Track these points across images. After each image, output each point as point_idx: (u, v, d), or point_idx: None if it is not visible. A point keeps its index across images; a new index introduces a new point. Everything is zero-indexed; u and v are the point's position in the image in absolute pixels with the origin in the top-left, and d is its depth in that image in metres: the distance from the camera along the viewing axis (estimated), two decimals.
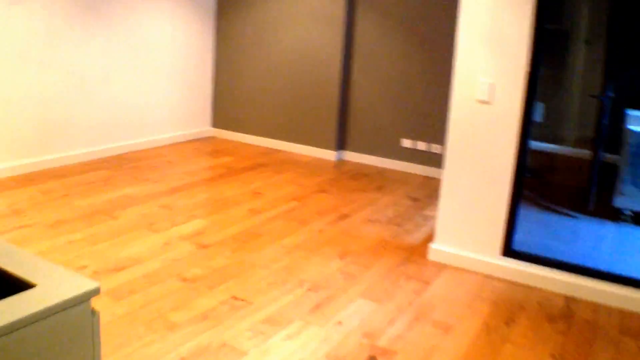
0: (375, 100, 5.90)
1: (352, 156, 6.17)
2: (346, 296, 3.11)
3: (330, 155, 6.15)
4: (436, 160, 5.68)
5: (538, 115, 4.11)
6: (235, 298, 3.02)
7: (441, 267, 3.55)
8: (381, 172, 5.77)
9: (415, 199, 4.93)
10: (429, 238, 3.99)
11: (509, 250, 3.43)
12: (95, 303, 2.88)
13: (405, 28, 5.61)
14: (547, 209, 4.68)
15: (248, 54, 6.54)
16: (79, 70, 5.34)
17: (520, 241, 3.50)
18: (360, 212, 4.50)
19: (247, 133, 6.73)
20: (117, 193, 4.65)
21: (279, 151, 6.41)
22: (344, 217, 4.38)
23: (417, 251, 3.78)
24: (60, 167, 5.26)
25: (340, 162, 6.08)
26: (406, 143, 5.82)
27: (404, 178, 5.62)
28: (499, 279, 3.42)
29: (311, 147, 6.27)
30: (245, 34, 6.52)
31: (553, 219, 4.47)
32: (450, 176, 3.53)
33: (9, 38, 4.72)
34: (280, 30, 6.25)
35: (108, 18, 5.51)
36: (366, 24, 5.82)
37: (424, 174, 5.76)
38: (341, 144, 6.20)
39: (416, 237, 4.04)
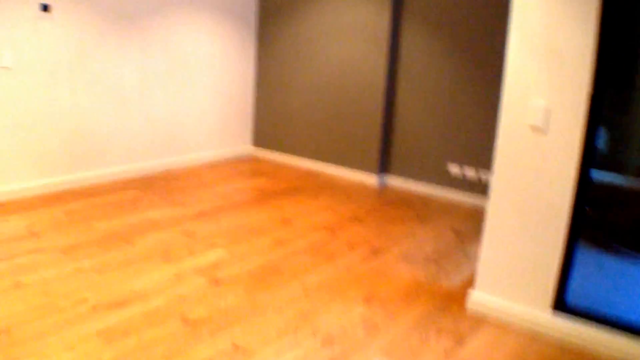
0: (420, 121, 5.48)
1: (394, 181, 5.76)
2: (363, 353, 2.70)
3: (371, 179, 5.76)
4: (485, 189, 5.20)
5: (600, 142, 3.61)
6: (236, 347, 2.66)
7: (480, 320, 3.08)
8: (424, 200, 5.33)
9: (458, 233, 4.47)
10: (470, 282, 3.53)
11: (562, 303, 2.94)
12: (84, 345, 2.59)
13: (455, 44, 5.18)
14: (611, 251, 4.13)
15: (289, 70, 6.25)
16: (112, 85, 5.16)
17: (577, 292, 3.00)
18: (396, 247, 4.09)
19: (287, 153, 6.42)
20: (141, 216, 4.41)
21: (318, 174, 6.07)
22: (377, 252, 3.98)
23: (455, 298, 3.33)
24: (90, 186, 5.08)
25: (382, 187, 5.68)
26: (453, 168, 5.37)
27: (448, 207, 5.16)
28: (548, 341, 2.92)
29: (352, 170, 5.89)
30: (286, 49, 6.23)
31: (618, 265, 3.92)
32: (496, 212, 3.07)
33: (39, 52, 4.57)
34: (322, 46, 5.93)
35: (144, 31, 5.32)
36: (412, 39, 5.42)
37: (471, 203, 5.28)
38: (384, 168, 5.80)
39: (455, 280, 3.59)
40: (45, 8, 4.53)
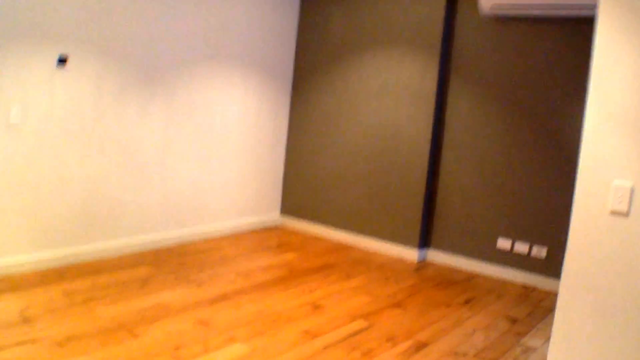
0: (467, 191, 4.93)
1: (437, 256, 5.16)
2: None
3: (411, 254, 5.17)
4: (539, 266, 4.59)
5: None
6: None
7: None
8: (471, 279, 4.72)
9: (513, 320, 3.85)
10: None
11: None
12: None
13: (508, 107, 4.68)
14: None
15: (324, 132, 5.79)
16: (129, 147, 4.73)
17: None
18: (443, 339, 3.48)
19: (318, 223, 5.89)
20: (151, 300, 3.87)
21: (351, 247, 5.50)
22: (421, 346, 3.37)
23: None
24: (97, 261, 4.58)
25: (423, 264, 5.08)
26: (503, 243, 4.77)
27: (498, 287, 4.54)
28: None
29: (389, 244, 5.32)
30: (322, 110, 5.79)
31: None
32: (568, 312, 2.47)
33: (50, 109, 4.17)
34: (361, 107, 5.47)
35: (168, 88, 4.93)
36: (461, 101, 4.93)
37: (523, 282, 4.66)
38: (425, 241, 5.22)
39: None
40: (62, 61, 4.16)
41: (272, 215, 6.15)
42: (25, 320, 3.39)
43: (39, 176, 4.20)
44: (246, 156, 5.75)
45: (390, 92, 5.26)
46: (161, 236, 5.10)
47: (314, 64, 5.87)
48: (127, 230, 4.84)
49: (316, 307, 3.91)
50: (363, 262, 5.03)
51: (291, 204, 6.13)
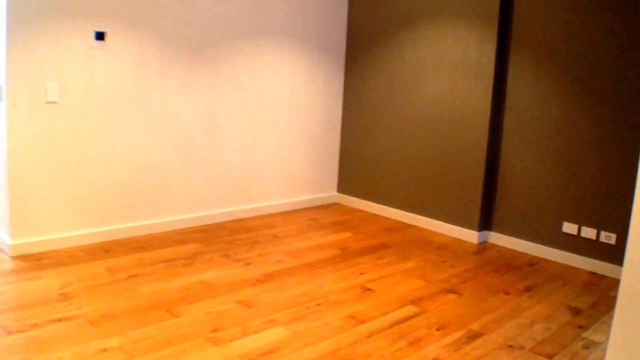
0: (531, 171, 4.53)
1: (498, 239, 4.80)
2: None
3: (471, 236, 4.83)
4: (607, 253, 4.17)
5: None
6: None
7: None
8: (534, 264, 4.35)
9: (576, 311, 3.48)
10: None
11: None
12: None
13: (576, 82, 4.23)
14: None
15: (380, 109, 5.49)
16: (175, 124, 4.60)
17: None
18: (498, 330, 3.17)
19: (375, 202, 5.62)
20: (195, 277, 3.74)
21: (409, 227, 5.21)
22: (474, 337, 3.07)
23: None
24: (146, 237, 4.50)
25: (483, 246, 4.73)
26: (568, 228, 4.36)
27: (563, 274, 4.16)
28: None
29: (449, 225, 5.00)
30: (377, 85, 5.48)
31: None
32: (629, 306, 2.13)
33: (90, 86, 4.08)
34: (417, 82, 5.13)
35: (214, 63, 4.76)
36: (523, 75, 4.51)
37: (590, 270, 4.25)
38: (486, 223, 4.87)
39: None
40: (100, 36, 4.05)
41: (328, 192, 5.93)
42: (64, 296, 3.33)
43: (81, 154, 4.13)
44: (299, 133, 5.53)
45: (446, 65, 4.88)
46: (212, 213, 4.97)
47: (367, 38, 5.55)
48: (176, 207, 4.73)
49: (365, 290, 3.67)
50: (420, 243, 4.73)
51: (348, 182, 5.88)
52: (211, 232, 4.73)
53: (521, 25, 4.52)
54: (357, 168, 5.77)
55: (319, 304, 3.42)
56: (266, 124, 5.23)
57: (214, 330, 3.01)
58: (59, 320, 3.03)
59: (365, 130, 5.65)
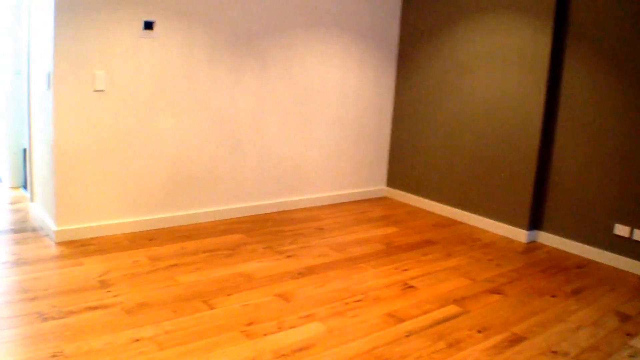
0: (585, 171, 4.25)
1: (548, 239, 4.55)
2: None
3: (520, 235, 4.61)
4: None
5: None
6: None
7: None
8: (583, 266, 4.09)
9: (624, 317, 3.24)
10: None
11: None
12: None
13: (635, 81, 3.94)
14: None
15: (431, 103, 5.30)
16: (222, 114, 4.56)
17: None
18: (542, 334, 2.98)
19: (423, 197, 5.45)
20: (236, 269, 3.69)
21: (457, 223, 5.02)
22: (517, 341, 2.89)
23: None
24: (191, 226, 4.48)
25: (532, 246, 4.50)
26: (620, 230, 4.08)
27: (613, 278, 3.89)
28: None
29: (497, 223, 4.78)
30: (429, 79, 5.30)
31: None
32: None
33: (137, 75, 4.08)
34: (468, 77, 4.92)
35: (263, 53, 4.69)
36: (579, 70, 4.23)
37: None
38: (535, 222, 4.62)
39: None
40: (148, 25, 4.03)
41: (377, 186, 5.79)
42: (103, 284, 3.33)
43: (128, 143, 4.14)
44: (348, 126, 5.41)
45: (499, 59, 4.65)
46: (258, 204, 4.92)
47: (420, 31, 5.35)
48: (222, 197, 4.70)
49: (407, 287, 3.53)
50: (467, 241, 4.54)
51: (398, 176, 5.73)
52: (256, 223, 4.68)
53: (578, 20, 4.25)
54: (407, 162, 5.61)
55: (359, 300, 3.30)
56: (315, 116, 5.13)
57: (249, 324, 2.94)
58: (95, 308, 3.02)
59: (416, 124, 5.48)
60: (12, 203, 4.81)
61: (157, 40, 4.11)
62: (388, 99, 5.65)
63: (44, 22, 3.90)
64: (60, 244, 3.93)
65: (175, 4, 4.15)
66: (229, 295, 3.29)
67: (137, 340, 2.71)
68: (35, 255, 3.70)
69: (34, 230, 4.17)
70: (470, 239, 4.58)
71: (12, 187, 5.29)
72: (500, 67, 4.68)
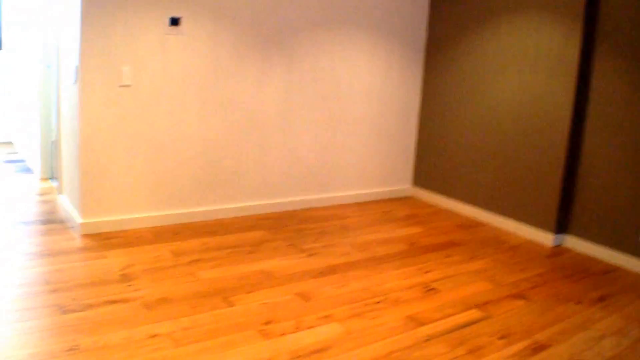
0: (613, 174, 4.12)
1: (574, 243, 4.43)
2: None
3: (546, 238, 4.50)
4: None
5: None
6: None
7: None
8: (610, 272, 3.97)
9: None
10: None
11: None
12: None
13: None
14: None
15: (457, 103, 5.21)
16: (250, 111, 4.55)
17: None
18: (565, 342, 2.89)
19: (449, 197, 5.37)
20: (257, 266, 3.68)
21: (482, 225, 4.93)
22: (539, 348, 2.81)
23: None
24: (216, 221, 4.49)
25: (558, 250, 4.38)
26: None
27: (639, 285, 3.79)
28: None
29: (523, 225, 4.67)
30: (456, 79, 5.20)
31: None
32: None
33: (166, 72, 4.09)
34: (495, 77, 4.81)
35: (291, 54, 4.66)
36: (609, 73, 4.08)
37: None
38: (562, 226, 4.50)
39: None
40: (175, 22, 4.04)
41: (403, 185, 5.72)
42: (124, 278, 3.35)
43: (154, 137, 4.16)
44: (375, 125, 5.35)
45: (528, 60, 4.53)
46: (283, 201, 4.91)
47: (449, 31, 5.25)
48: (248, 193, 4.70)
49: (428, 290, 3.47)
50: (492, 243, 4.46)
51: (424, 175, 5.65)
52: (281, 220, 4.66)
53: (608, 21, 4.11)
54: (433, 162, 5.53)
55: (379, 302, 3.26)
56: (342, 114, 5.09)
57: (267, 323, 2.93)
58: (114, 301, 3.04)
59: (443, 123, 5.39)
60: (41, 194, 4.89)
61: (184, 36, 4.11)
62: (415, 98, 5.57)
63: (72, 16, 3.93)
64: (85, 236, 3.97)
65: (203, 1, 4.15)
66: (248, 292, 3.28)
67: (154, 336, 2.72)
68: (60, 247, 3.74)
69: (60, 222, 4.22)
70: (496, 242, 4.50)
71: (42, 179, 5.38)
72: (528, 68, 4.57)
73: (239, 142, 4.56)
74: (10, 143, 7.14)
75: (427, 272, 3.77)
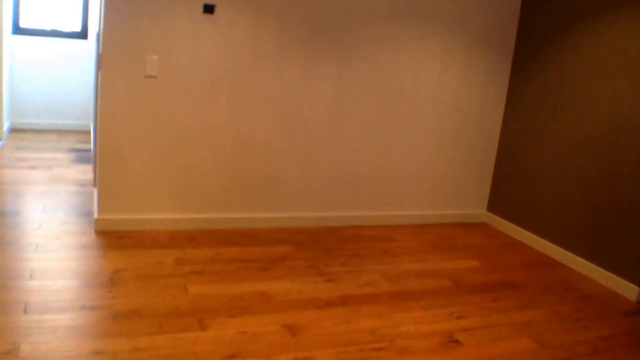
0: None
1: None
2: None
3: (630, 291, 3.66)
4: None
5: None
6: None
7: None
8: None
9: None
10: None
11: None
12: None
13: None
14: None
15: (546, 120, 4.45)
16: (293, 112, 4.14)
17: None
18: None
19: (525, 228, 4.61)
20: (260, 286, 3.26)
21: (557, 265, 4.14)
22: None
23: None
24: (243, 231, 4.13)
25: None
26: None
27: None
28: None
29: (605, 272, 3.86)
30: (548, 92, 4.45)
31: None
32: None
33: (196, 64, 3.78)
34: (590, 89, 4.03)
35: (345, 51, 4.19)
36: None
37: None
38: None
39: None
40: (209, 9, 3.72)
41: (475, 210, 5.03)
42: (110, 282, 3.07)
43: (181, 133, 3.86)
44: (445, 135, 4.72)
45: (628, 70, 3.72)
46: (324, 214, 4.44)
47: (542, 33, 4.48)
48: (284, 203, 4.29)
49: (450, 341, 2.85)
50: (559, 289, 3.70)
51: (500, 201, 4.92)
52: (316, 236, 4.21)
53: None
54: (513, 186, 4.79)
55: (380, 349, 2.71)
56: (404, 122, 4.53)
57: (230, 357, 2.50)
58: (84, 307, 2.76)
59: (528, 142, 4.65)
60: (82, 185, 4.79)
61: (218, 25, 3.79)
62: (497, 108, 4.86)
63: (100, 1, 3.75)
64: (99, 233, 3.76)
65: None
66: (231, 316, 2.86)
67: (98, 353, 2.38)
68: (66, 242, 3.55)
69: (84, 215, 4.06)
70: (566, 288, 3.74)
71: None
72: (629, 78, 3.77)
73: (277, 145, 4.16)
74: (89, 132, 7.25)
75: (459, 317, 3.15)
